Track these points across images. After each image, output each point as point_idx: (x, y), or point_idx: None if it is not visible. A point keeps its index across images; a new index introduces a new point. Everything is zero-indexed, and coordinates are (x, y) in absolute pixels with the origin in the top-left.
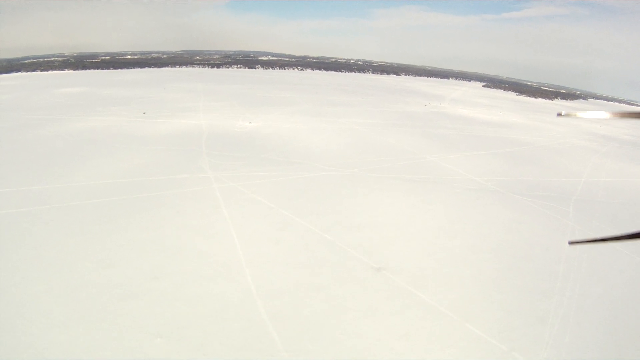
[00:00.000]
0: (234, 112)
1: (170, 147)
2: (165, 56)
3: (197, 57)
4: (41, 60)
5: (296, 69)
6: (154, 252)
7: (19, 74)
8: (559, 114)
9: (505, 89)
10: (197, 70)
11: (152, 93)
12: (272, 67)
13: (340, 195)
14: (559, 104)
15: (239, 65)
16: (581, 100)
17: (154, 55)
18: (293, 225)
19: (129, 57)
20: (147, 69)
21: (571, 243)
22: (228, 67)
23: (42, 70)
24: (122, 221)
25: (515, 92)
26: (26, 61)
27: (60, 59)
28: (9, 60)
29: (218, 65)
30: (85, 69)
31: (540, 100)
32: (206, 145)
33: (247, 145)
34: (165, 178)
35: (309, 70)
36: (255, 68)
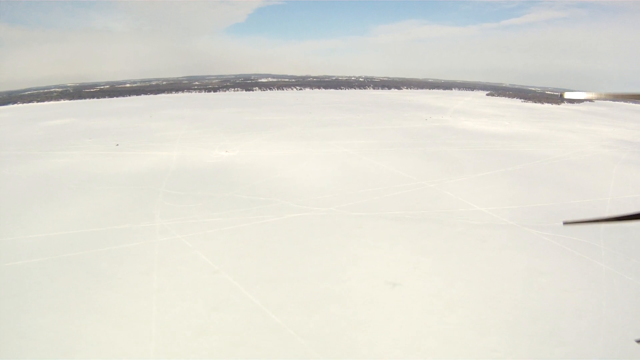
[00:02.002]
0: (214, 140)
1: (127, 186)
2: (164, 83)
3: (196, 82)
4: (41, 91)
5: (294, 89)
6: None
7: (15, 105)
8: (561, 95)
9: (509, 96)
10: (193, 95)
11: (136, 122)
12: (270, 89)
13: (304, 251)
14: (567, 107)
15: (236, 88)
16: (588, 102)
17: (154, 83)
18: (233, 300)
19: (127, 85)
20: (142, 97)
21: (565, 223)
22: (225, 91)
23: (38, 102)
24: (19, 301)
25: (520, 98)
26: (26, 92)
27: (59, 89)
28: (10, 93)
29: (215, 90)
30: (82, 99)
31: (546, 105)
32: (167, 183)
33: (213, 180)
34: (105, 229)
35: (307, 90)
36: (252, 90)
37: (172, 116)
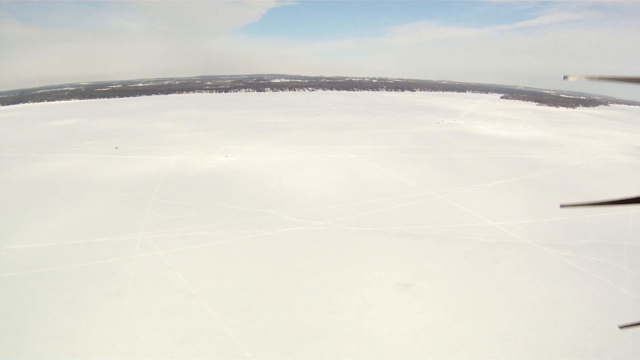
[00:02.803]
0: (216, 144)
1: (118, 193)
2: (177, 83)
3: (209, 83)
4: (53, 90)
5: (306, 90)
6: None
7: (25, 104)
8: (565, 77)
9: (524, 99)
10: (204, 95)
11: (141, 123)
12: (282, 89)
13: (293, 273)
14: (582, 111)
15: (248, 89)
16: (602, 106)
17: (166, 83)
18: (205, 332)
19: (140, 85)
20: (153, 96)
21: (562, 206)
22: (237, 91)
23: (49, 101)
24: None
25: (535, 102)
26: (39, 91)
27: (72, 88)
28: (23, 91)
29: (227, 90)
30: (93, 98)
31: (561, 109)
32: (159, 190)
33: (208, 188)
34: (84, 242)
35: (319, 91)
36: (264, 91)
37: (179, 117)
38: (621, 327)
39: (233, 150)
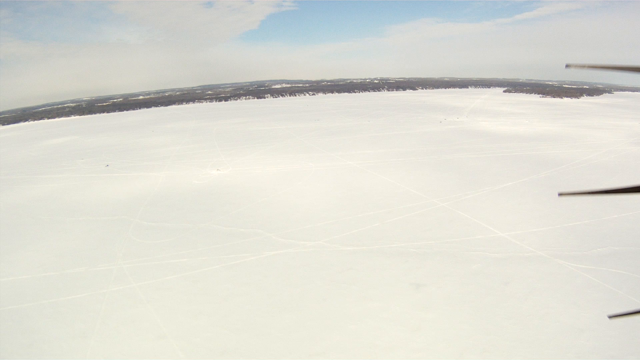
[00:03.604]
0: (208, 156)
1: (101, 217)
2: (178, 93)
3: (209, 92)
4: (54, 107)
5: (307, 94)
6: None
7: (26, 123)
8: (568, 66)
9: (526, 91)
10: (204, 105)
11: (136, 138)
12: (282, 95)
13: (275, 307)
14: (587, 101)
15: (248, 97)
16: (607, 94)
17: (167, 94)
18: None
19: (141, 97)
20: (152, 109)
21: (561, 194)
22: (237, 99)
23: (49, 118)
24: None
25: (538, 94)
26: (40, 109)
27: (73, 104)
28: (25, 109)
29: (227, 99)
30: (92, 114)
31: (566, 100)
32: (143, 212)
33: (194, 207)
34: (58, 274)
35: (320, 95)
36: (264, 97)
37: (174, 130)
38: (610, 316)
39: (225, 162)
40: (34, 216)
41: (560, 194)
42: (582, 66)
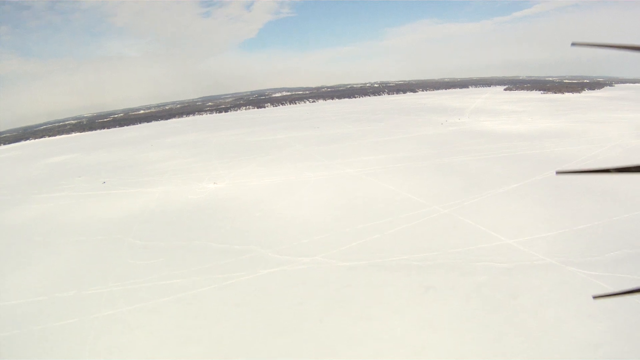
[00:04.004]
0: (206, 169)
1: (95, 236)
2: (178, 106)
3: (209, 103)
4: (55, 125)
5: (307, 102)
6: None
7: (27, 142)
8: (574, 44)
9: (527, 88)
10: (204, 117)
11: (134, 153)
12: (282, 104)
13: (269, 331)
14: (588, 95)
15: (248, 107)
16: (608, 87)
17: (167, 107)
18: None
19: (141, 112)
20: (153, 123)
21: (558, 173)
22: (237, 110)
23: (50, 136)
24: None
25: (539, 90)
26: (42, 127)
27: (74, 121)
28: (26, 128)
29: (227, 110)
30: (93, 130)
31: (567, 95)
32: (137, 231)
33: (189, 223)
34: (48, 298)
35: (320, 101)
36: (264, 107)
37: (173, 144)
38: (595, 297)
39: (222, 175)
40: (29, 237)
41: (558, 172)
42: (588, 44)
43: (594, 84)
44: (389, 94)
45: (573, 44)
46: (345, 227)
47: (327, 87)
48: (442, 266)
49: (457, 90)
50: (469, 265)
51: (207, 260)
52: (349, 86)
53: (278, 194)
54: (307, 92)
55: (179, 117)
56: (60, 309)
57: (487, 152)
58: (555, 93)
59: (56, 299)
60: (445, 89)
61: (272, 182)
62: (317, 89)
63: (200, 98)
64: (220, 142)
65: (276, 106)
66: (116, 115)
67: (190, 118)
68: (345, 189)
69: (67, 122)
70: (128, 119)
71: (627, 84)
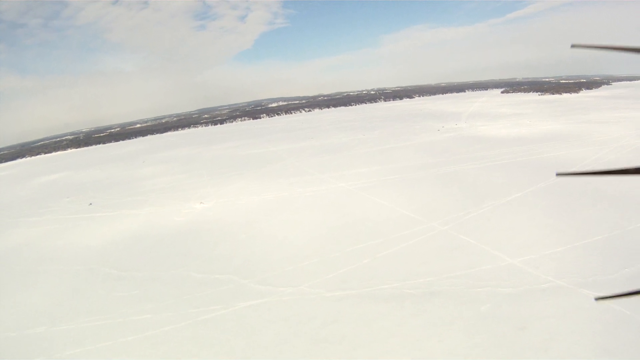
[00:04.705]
0: (195, 187)
1: (72, 266)
2: (175, 119)
3: (205, 115)
4: (52, 141)
5: (303, 111)
6: None
7: (23, 159)
8: (573, 46)
9: (524, 90)
10: (199, 130)
11: (125, 170)
12: (277, 114)
13: None
14: (587, 95)
15: (243, 118)
16: (605, 86)
17: (164, 120)
18: None
19: (138, 125)
20: (148, 137)
21: (558, 175)
22: (233, 122)
23: (46, 153)
24: None
25: (537, 91)
26: (39, 143)
27: (71, 137)
28: (23, 145)
29: (223, 121)
30: (89, 145)
31: (565, 95)
32: (115, 259)
33: (169, 250)
34: (17, 335)
35: (317, 110)
36: (260, 117)
37: (165, 159)
38: (597, 299)
39: (210, 193)
40: (9, 266)
41: (558, 174)
42: (588, 46)
43: (591, 83)
44: (385, 101)
45: (573, 46)
46: (334, 250)
47: (324, 96)
48: (440, 294)
49: (454, 94)
50: (469, 291)
51: (183, 292)
52: (345, 94)
53: (265, 213)
54: (304, 101)
55: (174, 131)
56: (27, 348)
57: (486, 159)
58: (553, 94)
59: (24, 336)
60: (442, 94)
61: (261, 199)
62: (314, 97)
63: (196, 110)
64: (212, 157)
65: (272, 116)
66: (112, 130)
67: (186, 131)
68: (336, 206)
69: (64, 138)
70: (124, 133)
71: (625, 82)
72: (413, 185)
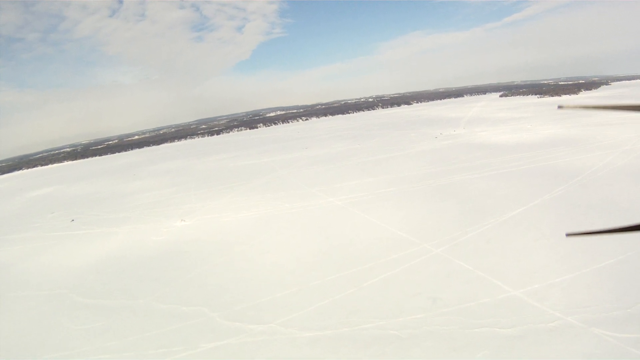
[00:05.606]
0: (179, 203)
1: (42, 291)
2: (173, 130)
3: (203, 126)
4: (50, 153)
5: (300, 120)
6: None
7: (19, 172)
8: (560, 107)
9: (523, 93)
10: (196, 141)
11: (115, 184)
12: (274, 123)
13: None
14: (587, 96)
15: (240, 128)
16: (604, 86)
17: (162, 132)
18: None
19: (136, 137)
20: (144, 149)
21: (568, 235)
22: (229, 132)
23: (42, 165)
24: None
25: (536, 94)
26: (37, 156)
27: (70, 149)
28: (22, 157)
29: (220, 132)
30: (85, 158)
31: (565, 97)
32: (86, 284)
33: (141, 274)
34: None
35: (314, 119)
36: (257, 127)
37: (157, 172)
38: (568, 234)
39: (195, 209)
40: None
41: (568, 235)
42: (574, 107)
43: (590, 84)
44: (383, 108)
45: (560, 107)
46: (315, 277)
47: (322, 104)
48: (430, 336)
49: (453, 99)
50: (465, 332)
51: (148, 327)
52: (343, 102)
53: (247, 233)
54: (302, 110)
55: (170, 142)
56: None
57: (486, 168)
58: (552, 96)
59: None
60: (441, 100)
61: (244, 216)
62: (312, 106)
63: (195, 121)
64: (204, 169)
65: (268, 126)
66: (110, 142)
67: (182, 142)
68: (323, 224)
69: (62, 150)
70: (121, 145)
71: (624, 82)
72: (407, 199)
